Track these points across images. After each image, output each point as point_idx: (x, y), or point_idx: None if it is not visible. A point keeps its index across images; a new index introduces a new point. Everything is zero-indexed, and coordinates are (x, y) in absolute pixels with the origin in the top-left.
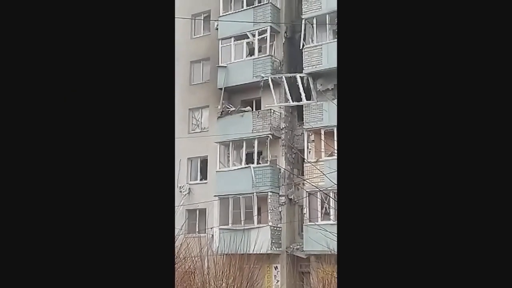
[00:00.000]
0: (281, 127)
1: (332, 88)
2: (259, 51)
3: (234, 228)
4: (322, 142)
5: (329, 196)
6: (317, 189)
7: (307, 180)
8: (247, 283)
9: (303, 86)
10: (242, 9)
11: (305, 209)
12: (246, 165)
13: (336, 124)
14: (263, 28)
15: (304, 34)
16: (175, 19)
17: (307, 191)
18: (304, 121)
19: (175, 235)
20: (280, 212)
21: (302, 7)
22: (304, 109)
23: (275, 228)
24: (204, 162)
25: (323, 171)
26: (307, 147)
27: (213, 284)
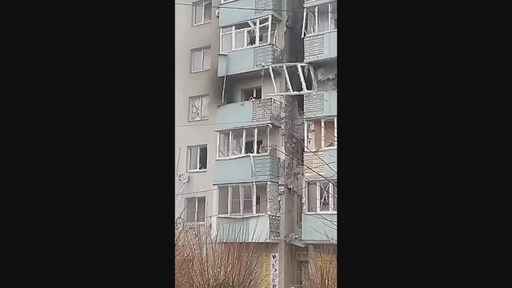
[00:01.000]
0: (282, 117)
1: (333, 78)
2: (260, 39)
3: (233, 216)
4: (323, 132)
5: (331, 182)
6: (318, 177)
7: (309, 167)
8: (246, 271)
9: (304, 75)
10: None
11: (304, 199)
12: (246, 154)
13: (336, 114)
14: (264, 17)
15: (306, 23)
16: (176, 6)
17: (306, 181)
18: (304, 111)
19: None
20: (279, 201)
21: None
22: (304, 98)
23: (273, 217)
24: (203, 150)
25: (322, 160)
26: (307, 137)
27: (211, 272)
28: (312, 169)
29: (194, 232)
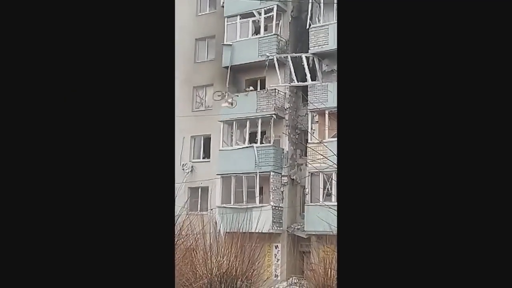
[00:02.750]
0: (286, 107)
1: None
2: (265, 30)
3: (236, 207)
4: (327, 123)
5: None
6: (322, 168)
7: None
8: (249, 261)
9: (308, 66)
10: None
11: (307, 190)
12: (249, 145)
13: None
14: (269, 7)
15: (311, 14)
16: None
17: (309, 172)
18: (308, 102)
19: (178, 212)
20: (282, 192)
21: None
22: (309, 89)
23: (276, 208)
24: (207, 140)
25: (326, 152)
26: (311, 128)
27: (214, 261)
28: (318, 158)
29: (197, 222)
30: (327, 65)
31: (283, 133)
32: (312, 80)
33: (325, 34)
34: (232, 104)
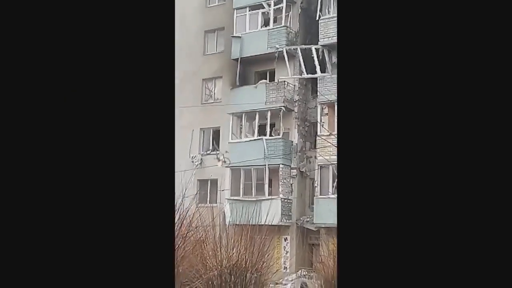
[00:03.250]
0: (295, 100)
1: None
2: (275, 21)
3: (246, 199)
4: (336, 115)
5: None
6: (331, 160)
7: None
8: (259, 253)
9: (318, 58)
10: None
11: (316, 182)
12: (259, 137)
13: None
14: None
15: (321, 5)
16: None
17: (319, 164)
18: (318, 94)
19: (187, 205)
20: (291, 184)
21: None
22: (318, 81)
23: (285, 200)
24: (216, 132)
25: (335, 144)
26: (321, 120)
27: (224, 254)
28: (325, 152)
29: (207, 214)
30: (336, 57)
31: (296, 125)
32: (321, 72)
33: (334, 26)
34: (225, 161)
